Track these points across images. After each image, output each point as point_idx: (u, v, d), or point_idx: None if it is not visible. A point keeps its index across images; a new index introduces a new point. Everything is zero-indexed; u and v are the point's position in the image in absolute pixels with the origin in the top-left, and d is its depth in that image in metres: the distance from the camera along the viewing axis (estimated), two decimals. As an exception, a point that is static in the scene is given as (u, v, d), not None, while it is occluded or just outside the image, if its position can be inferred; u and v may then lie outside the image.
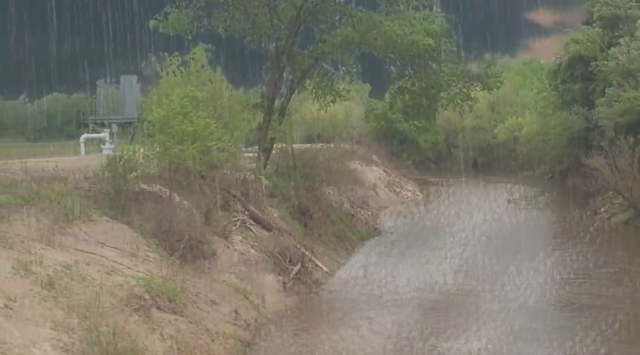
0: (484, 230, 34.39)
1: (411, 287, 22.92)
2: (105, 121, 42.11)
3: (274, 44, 31.71)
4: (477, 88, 33.50)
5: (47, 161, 24.01)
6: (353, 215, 35.05)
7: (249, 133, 30.46)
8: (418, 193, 52.81)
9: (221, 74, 28.39)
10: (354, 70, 33.40)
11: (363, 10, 30.92)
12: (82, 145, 40.65)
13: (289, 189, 29.29)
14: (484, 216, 38.76)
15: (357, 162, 48.46)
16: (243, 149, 30.87)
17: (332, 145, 39.47)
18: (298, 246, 23.55)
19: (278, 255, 22.54)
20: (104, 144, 39.72)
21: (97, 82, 45.23)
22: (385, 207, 43.43)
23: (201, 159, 21.00)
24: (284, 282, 21.77)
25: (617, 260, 26.43)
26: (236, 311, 17.89)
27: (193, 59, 27.00)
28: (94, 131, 42.60)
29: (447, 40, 31.66)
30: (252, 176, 26.63)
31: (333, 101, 34.35)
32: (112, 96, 44.70)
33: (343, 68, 33.36)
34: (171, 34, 30.73)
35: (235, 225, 23.29)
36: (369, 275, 25.05)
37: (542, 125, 57.45)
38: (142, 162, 20.90)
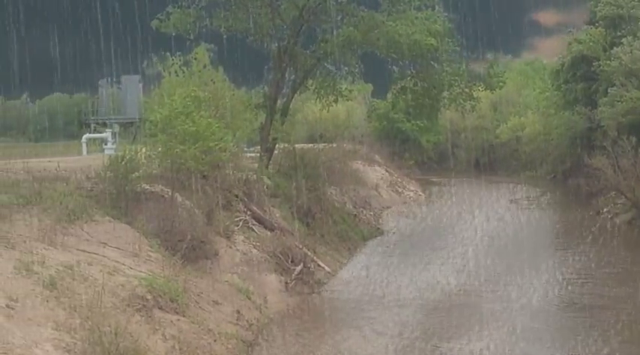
0: (486, 230, 34.32)
1: (414, 288, 22.89)
2: (107, 121, 42.10)
3: (276, 44, 31.72)
4: (480, 87, 33.48)
5: (49, 161, 24.08)
6: (355, 215, 35.02)
7: (252, 133, 30.45)
8: (420, 193, 52.72)
9: (223, 74, 28.49)
10: (356, 70, 33.35)
11: (365, 10, 30.90)
12: (84, 145, 40.60)
13: (291, 189, 29.24)
14: (486, 216, 38.68)
15: (359, 162, 48.34)
16: (246, 149, 30.87)
17: (334, 145, 39.35)
18: (300, 246, 23.54)
19: (280, 255, 22.51)
20: (106, 144, 39.68)
21: (99, 82, 45.24)
22: (387, 207, 43.39)
23: (203, 159, 21.01)
24: (286, 282, 21.75)
25: (620, 260, 26.38)
26: (238, 312, 17.88)
27: (195, 59, 27.08)
28: (95, 131, 42.59)
29: (450, 40, 31.58)
30: (255, 176, 26.64)
31: (336, 101, 34.28)
32: (113, 96, 44.72)
33: (345, 68, 33.31)
34: (174, 34, 30.72)
35: (237, 225, 23.28)
36: (371, 275, 25.02)
37: (544, 125, 57.43)
38: (144, 162, 20.93)
